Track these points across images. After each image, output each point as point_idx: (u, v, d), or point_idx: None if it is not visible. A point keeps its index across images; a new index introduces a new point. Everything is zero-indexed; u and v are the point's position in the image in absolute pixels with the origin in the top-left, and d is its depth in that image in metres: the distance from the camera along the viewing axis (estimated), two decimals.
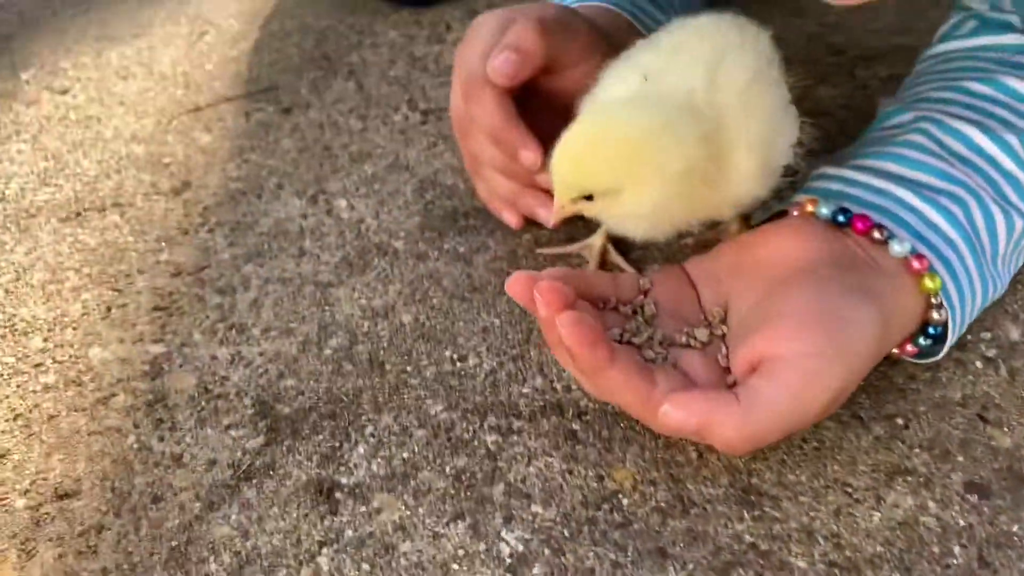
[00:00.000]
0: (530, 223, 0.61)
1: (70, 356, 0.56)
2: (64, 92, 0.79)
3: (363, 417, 0.51)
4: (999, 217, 0.50)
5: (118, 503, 0.47)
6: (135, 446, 0.50)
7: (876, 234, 0.47)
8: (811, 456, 0.47)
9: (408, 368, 0.54)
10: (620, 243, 0.58)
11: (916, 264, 0.47)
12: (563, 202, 0.49)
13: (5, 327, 0.57)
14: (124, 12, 0.92)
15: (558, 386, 0.52)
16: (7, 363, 0.55)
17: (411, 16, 0.89)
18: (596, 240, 0.58)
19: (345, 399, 0.52)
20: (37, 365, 0.55)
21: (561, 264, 0.59)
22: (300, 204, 0.66)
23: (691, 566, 0.43)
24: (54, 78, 0.81)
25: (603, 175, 0.46)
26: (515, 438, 0.49)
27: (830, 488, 0.46)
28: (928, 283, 0.46)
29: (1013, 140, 0.51)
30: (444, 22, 0.88)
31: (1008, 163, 0.50)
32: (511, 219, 0.60)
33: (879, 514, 0.45)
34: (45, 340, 0.57)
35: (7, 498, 0.48)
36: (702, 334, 0.48)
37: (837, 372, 0.42)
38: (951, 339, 0.49)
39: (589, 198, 0.48)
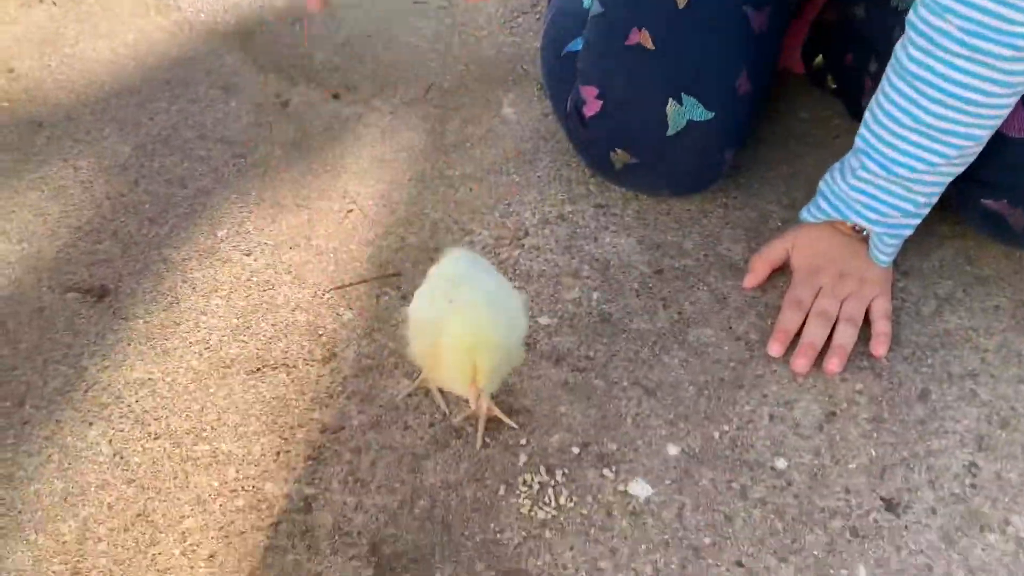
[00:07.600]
0: None
1: (253, 488, 0.85)
2: (248, 254, 1.10)
3: (435, 567, 0.79)
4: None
5: None
6: (292, 562, 0.80)
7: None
8: None
9: (464, 532, 0.82)
10: None
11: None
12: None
13: (210, 458, 0.88)
14: (289, 180, 1.21)
15: None
16: (212, 486, 0.85)
17: (499, 218, 1.16)
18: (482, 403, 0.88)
19: (424, 550, 0.81)
20: (232, 491, 0.85)
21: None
22: (408, 384, 0.95)
23: None
24: (241, 239, 1.11)
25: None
26: None
27: None
28: None
29: None
30: (523, 228, 1.16)
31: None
32: None
33: None
34: (237, 472, 0.87)
35: None
36: None
37: None
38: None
39: None
